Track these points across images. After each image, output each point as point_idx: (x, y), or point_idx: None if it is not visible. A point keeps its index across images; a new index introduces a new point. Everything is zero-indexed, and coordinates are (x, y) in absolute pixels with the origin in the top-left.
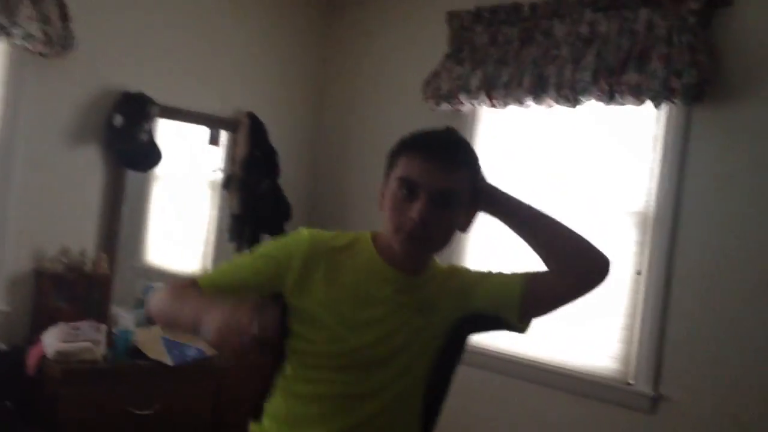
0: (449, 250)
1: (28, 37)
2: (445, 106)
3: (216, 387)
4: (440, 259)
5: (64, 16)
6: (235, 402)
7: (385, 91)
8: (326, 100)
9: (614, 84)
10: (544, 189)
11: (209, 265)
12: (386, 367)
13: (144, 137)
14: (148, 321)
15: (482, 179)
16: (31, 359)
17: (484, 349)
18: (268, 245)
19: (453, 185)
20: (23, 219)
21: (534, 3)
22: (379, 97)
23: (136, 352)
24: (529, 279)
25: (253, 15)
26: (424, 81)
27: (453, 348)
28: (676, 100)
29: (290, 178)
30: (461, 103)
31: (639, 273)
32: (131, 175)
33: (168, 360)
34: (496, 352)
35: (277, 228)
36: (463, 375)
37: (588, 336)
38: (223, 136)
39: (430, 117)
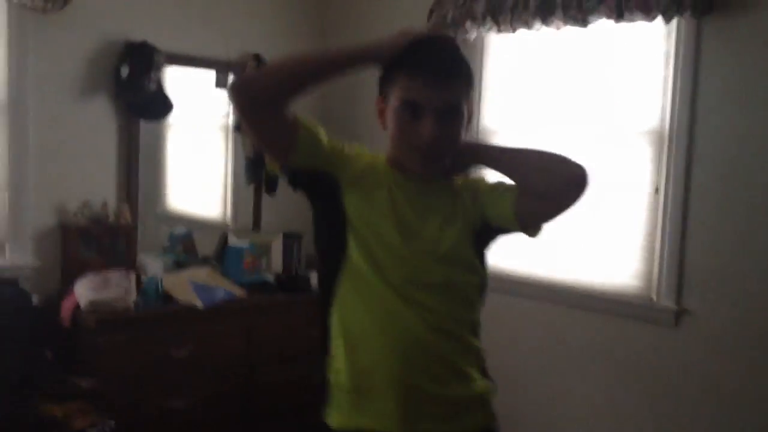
0: None
1: None
2: (451, 35)
3: (247, 326)
4: None
5: None
6: (267, 339)
7: (389, 23)
8: (331, 37)
9: (623, 0)
10: (556, 113)
11: (230, 208)
12: (434, 275)
13: (152, 86)
14: (244, 89)
15: (464, 143)
16: (65, 310)
17: (504, 273)
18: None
19: (456, 99)
20: (43, 175)
21: None
22: (383, 29)
23: (167, 298)
24: (519, 195)
25: None
26: (428, 10)
27: (481, 255)
28: (685, 14)
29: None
30: (467, 30)
31: (657, 191)
32: (144, 125)
33: (198, 303)
34: (517, 275)
35: None
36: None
37: (609, 255)
38: (231, 79)
39: None
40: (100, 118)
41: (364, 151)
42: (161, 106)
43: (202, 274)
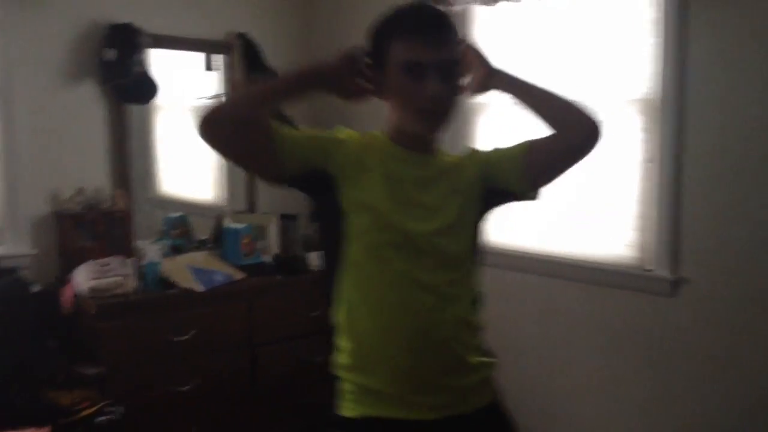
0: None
1: None
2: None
3: (247, 308)
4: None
5: None
6: (267, 320)
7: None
8: (316, 12)
9: None
10: (545, 84)
11: (224, 191)
12: (449, 242)
13: (138, 69)
14: (208, 130)
15: (492, 65)
16: (65, 298)
17: (500, 247)
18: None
19: (453, 55)
20: (35, 163)
21: None
22: (369, 4)
23: (166, 282)
24: (529, 146)
25: None
26: None
27: (482, 222)
28: None
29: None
30: (453, 3)
31: (650, 160)
32: (134, 109)
33: (197, 286)
34: (512, 249)
35: None
36: (481, 275)
37: (604, 226)
38: (219, 60)
39: None
40: (88, 103)
41: (353, 134)
42: (147, 89)
43: (200, 257)
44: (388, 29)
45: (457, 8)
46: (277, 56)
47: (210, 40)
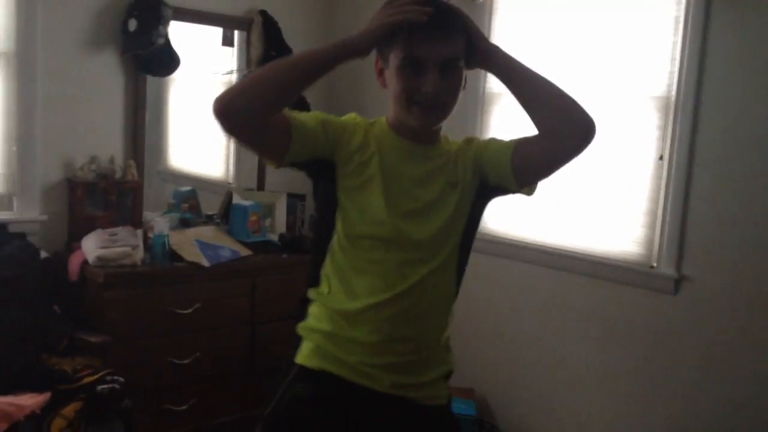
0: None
1: None
2: None
3: (251, 285)
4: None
5: None
6: (271, 297)
7: None
8: None
9: None
10: (564, 77)
11: (233, 167)
12: (431, 237)
13: (160, 41)
14: (225, 112)
15: (484, 39)
16: (73, 265)
17: (508, 238)
18: (332, 116)
19: (454, 51)
20: (51, 129)
21: None
22: None
23: (173, 255)
24: (517, 145)
25: None
26: None
27: (477, 214)
28: None
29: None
30: None
31: (661, 158)
32: (150, 80)
33: (203, 261)
34: (519, 240)
35: None
36: (487, 264)
37: (611, 222)
38: (237, 36)
39: None
40: (107, 73)
41: (361, 123)
42: (168, 61)
43: (207, 232)
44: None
45: (480, 0)
46: (297, 35)
47: (230, 15)
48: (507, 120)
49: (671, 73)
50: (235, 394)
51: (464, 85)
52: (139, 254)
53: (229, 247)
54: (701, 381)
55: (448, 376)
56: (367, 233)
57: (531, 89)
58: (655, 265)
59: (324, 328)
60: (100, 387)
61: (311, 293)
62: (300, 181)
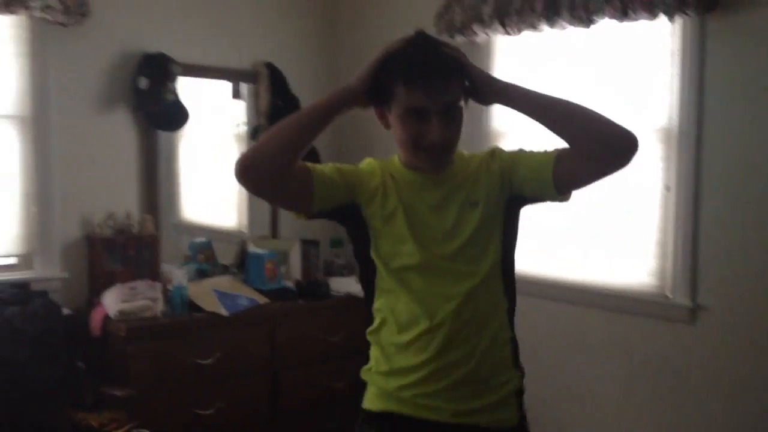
0: None
1: (46, 8)
2: (459, 38)
3: (270, 331)
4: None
5: None
6: (290, 344)
7: (398, 29)
8: (341, 44)
9: (627, 0)
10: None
11: (246, 217)
12: (458, 256)
13: (170, 97)
14: (246, 176)
15: (489, 78)
16: (95, 321)
17: (523, 275)
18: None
19: (454, 95)
20: (68, 188)
21: None
22: (393, 35)
23: (192, 306)
24: (558, 159)
25: None
26: (436, 14)
27: (512, 223)
28: (689, 12)
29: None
30: (475, 33)
31: (668, 189)
32: (162, 135)
33: (222, 310)
34: (532, 276)
35: None
36: None
37: (625, 254)
38: (245, 88)
39: None
40: (120, 130)
41: (374, 164)
42: (179, 116)
43: (224, 282)
44: (391, 71)
45: (479, 39)
46: (303, 84)
47: (237, 69)
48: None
49: (671, 104)
50: None
51: (467, 103)
52: (159, 306)
53: (247, 296)
54: (721, 410)
55: (518, 393)
56: (403, 264)
57: (556, 116)
58: (670, 295)
59: (381, 368)
60: None
61: (368, 335)
62: (313, 228)
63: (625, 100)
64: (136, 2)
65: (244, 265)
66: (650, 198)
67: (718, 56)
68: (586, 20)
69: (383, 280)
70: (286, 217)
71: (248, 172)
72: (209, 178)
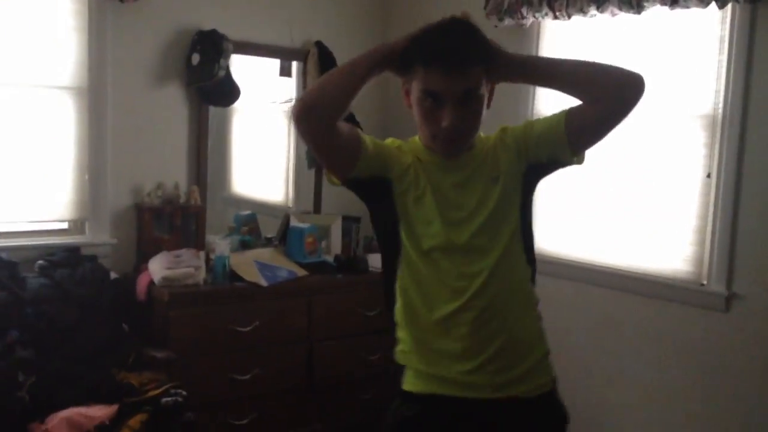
0: None
1: None
2: (508, 21)
3: (308, 303)
4: None
5: None
6: (327, 316)
7: (448, 9)
8: (390, 23)
9: None
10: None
11: (292, 192)
12: (480, 234)
13: (221, 73)
14: (309, 111)
15: (505, 54)
16: (141, 285)
17: (559, 258)
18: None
19: (473, 83)
20: (120, 158)
21: None
22: (442, 16)
23: (233, 276)
24: (569, 113)
25: None
26: None
27: (528, 196)
28: None
29: (361, 103)
30: (524, 16)
31: (709, 176)
32: (212, 110)
33: (262, 281)
34: (570, 260)
35: None
36: (539, 284)
37: (661, 240)
38: (294, 66)
39: (493, 33)
40: (172, 104)
41: (401, 143)
42: (229, 92)
43: (266, 254)
44: (415, 50)
45: (527, 22)
46: None
47: (288, 47)
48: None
49: (717, 91)
50: (293, 410)
51: (489, 105)
52: (202, 275)
53: (286, 268)
54: (754, 399)
55: (546, 355)
56: (431, 246)
57: (571, 77)
58: (705, 282)
59: (417, 349)
60: (164, 400)
61: (396, 316)
62: (355, 204)
63: (672, 86)
64: None
65: (286, 238)
66: (691, 184)
67: (767, 44)
68: (636, 6)
69: (410, 260)
70: (329, 193)
71: (310, 111)
72: (259, 153)
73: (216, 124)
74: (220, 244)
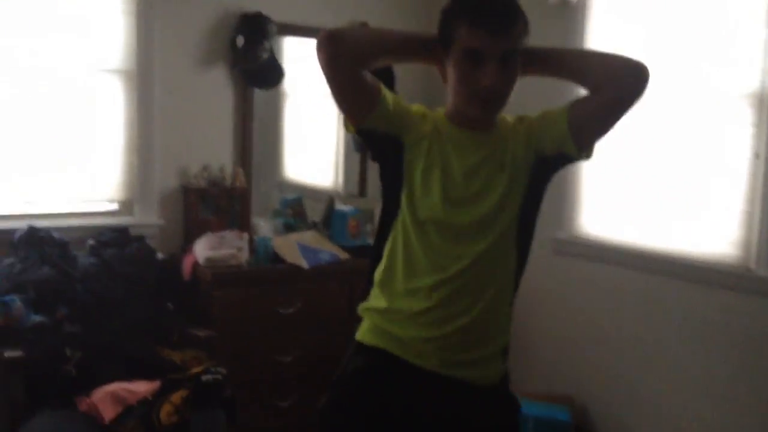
0: None
1: None
2: None
3: (349, 286)
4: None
5: None
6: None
7: None
8: (436, 5)
9: None
10: (657, 75)
11: (340, 175)
12: (479, 220)
13: (265, 55)
14: (330, 42)
15: (529, 48)
16: (186, 266)
17: (605, 242)
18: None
19: (514, 43)
20: (167, 140)
21: None
22: None
23: (275, 257)
24: (572, 106)
25: None
26: None
27: (536, 190)
28: None
29: (407, 86)
30: None
31: (757, 156)
32: (261, 94)
33: (303, 263)
34: (616, 244)
35: None
36: (584, 269)
37: (707, 223)
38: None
39: (538, 11)
40: (218, 86)
41: (426, 111)
42: (273, 74)
43: (308, 236)
44: (455, 11)
45: (574, 2)
46: None
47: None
48: None
49: (764, 69)
50: None
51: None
52: (244, 256)
53: (329, 251)
54: None
55: (504, 351)
56: (427, 217)
57: (580, 66)
58: (752, 267)
59: (380, 306)
60: (205, 377)
61: (375, 275)
62: None
63: (717, 64)
64: None
65: (330, 222)
66: (738, 165)
67: None
68: None
69: (405, 226)
70: (374, 177)
71: (332, 42)
72: (309, 138)
73: (266, 107)
74: (264, 226)
